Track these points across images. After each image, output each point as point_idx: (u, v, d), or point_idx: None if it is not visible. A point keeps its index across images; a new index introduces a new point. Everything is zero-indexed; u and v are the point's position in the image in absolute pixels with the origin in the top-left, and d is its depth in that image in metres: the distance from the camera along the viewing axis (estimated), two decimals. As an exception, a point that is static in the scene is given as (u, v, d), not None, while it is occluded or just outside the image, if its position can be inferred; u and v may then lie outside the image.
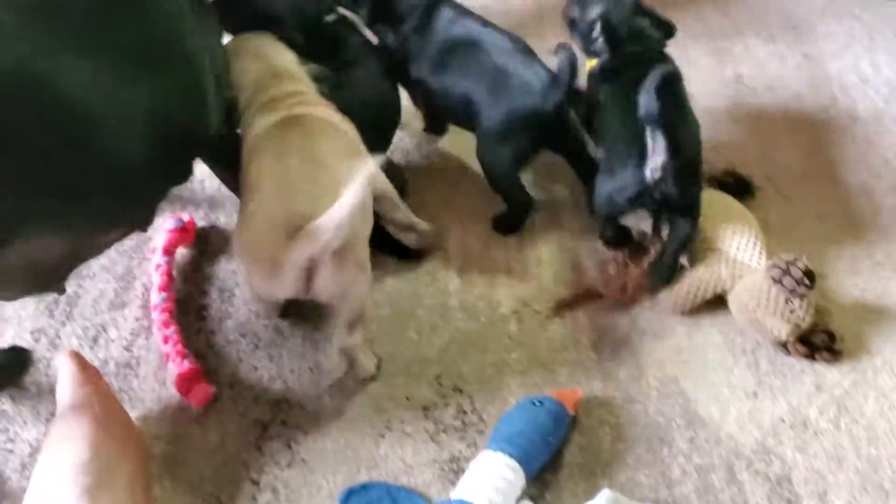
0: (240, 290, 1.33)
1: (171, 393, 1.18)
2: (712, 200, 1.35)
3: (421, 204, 1.43)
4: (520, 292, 1.32)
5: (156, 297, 1.28)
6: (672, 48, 1.41)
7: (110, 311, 1.30)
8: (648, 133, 1.22)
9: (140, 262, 1.37)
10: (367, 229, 1.14)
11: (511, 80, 1.33)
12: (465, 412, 1.17)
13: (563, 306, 1.31)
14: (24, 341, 1.25)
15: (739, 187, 1.46)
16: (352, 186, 0.99)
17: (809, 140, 1.62)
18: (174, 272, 1.33)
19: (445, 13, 1.41)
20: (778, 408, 1.16)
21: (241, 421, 1.16)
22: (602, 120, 1.37)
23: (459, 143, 1.55)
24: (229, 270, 1.36)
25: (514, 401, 1.16)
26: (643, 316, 1.29)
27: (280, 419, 1.16)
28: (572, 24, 1.47)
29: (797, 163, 1.56)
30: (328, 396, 1.19)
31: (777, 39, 1.88)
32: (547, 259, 1.38)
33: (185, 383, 1.17)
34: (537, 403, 1.10)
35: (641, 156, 1.23)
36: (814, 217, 1.45)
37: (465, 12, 1.42)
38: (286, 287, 1.08)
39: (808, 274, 1.21)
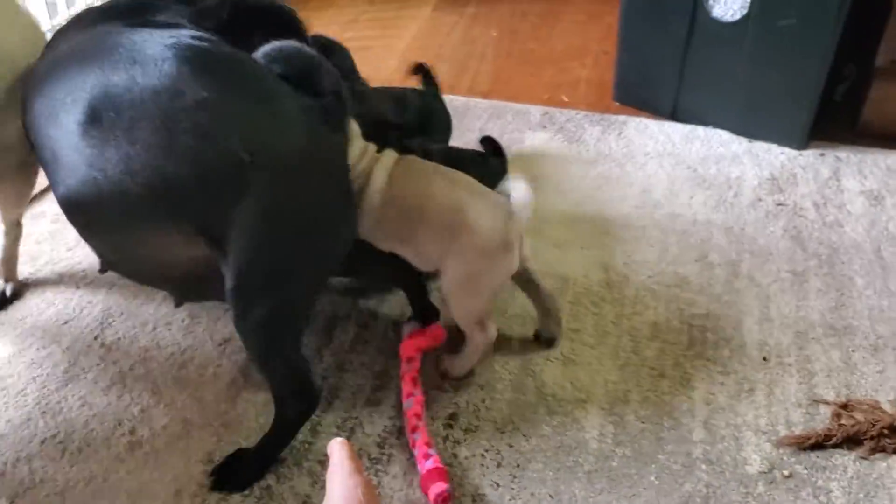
0: (485, 404, 1.38)
1: (419, 495, 1.23)
2: None
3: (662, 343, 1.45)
4: (769, 453, 1.29)
5: (405, 403, 1.36)
6: None
7: (366, 407, 1.38)
8: None
9: (396, 363, 1.46)
10: None
11: None
12: (707, 570, 1.14)
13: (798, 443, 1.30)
14: (289, 422, 1.35)
15: None
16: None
17: None
18: (419, 376, 1.41)
19: None
20: None
21: (481, 536, 1.19)
22: None
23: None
24: (476, 385, 1.42)
25: (762, 568, 1.12)
26: (905, 501, 1.22)
27: (519, 541, 1.18)
28: None
29: None
30: (567, 527, 1.20)
31: None
32: (796, 420, 1.34)
33: (426, 482, 1.23)
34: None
35: None
36: None
37: None
38: (516, 262, 1.34)
39: None
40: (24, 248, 1.71)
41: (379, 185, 1.33)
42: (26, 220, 1.79)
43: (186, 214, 1.07)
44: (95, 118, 1.05)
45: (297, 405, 1.26)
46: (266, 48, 1.19)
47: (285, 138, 1.10)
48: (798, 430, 1.33)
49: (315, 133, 1.14)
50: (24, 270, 1.66)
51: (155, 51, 1.06)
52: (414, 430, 1.31)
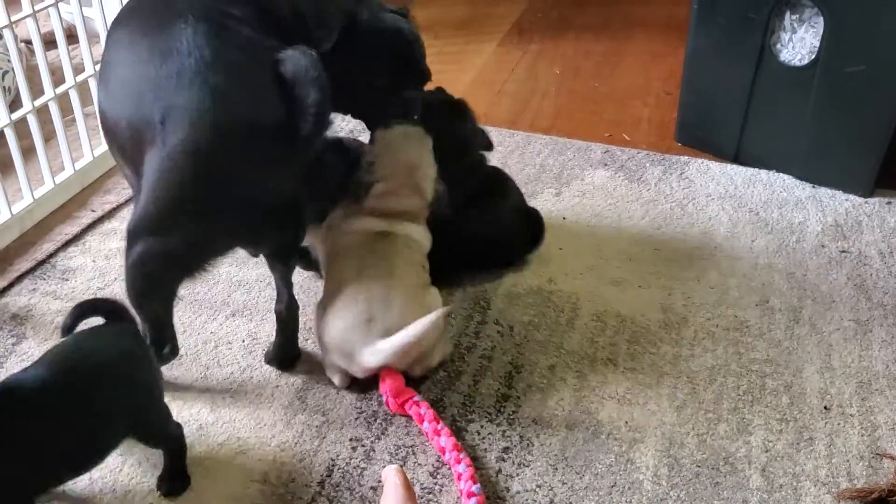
0: (538, 439, 1.38)
1: (470, 528, 1.23)
2: None
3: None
4: (829, 505, 1.27)
5: (442, 439, 1.36)
6: None
7: (420, 435, 1.39)
8: None
9: (451, 394, 1.47)
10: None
11: None
12: None
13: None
14: (344, 446, 1.37)
15: None
16: (419, 324, 1.35)
17: None
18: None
19: None
20: None
21: (531, 572, 1.18)
22: None
23: (771, 337, 1.53)
24: (529, 419, 1.42)
25: None
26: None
27: (570, 580, 1.17)
28: None
29: None
30: (618, 568, 1.19)
31: None
32: (858, 473, 1.32)
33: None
34: None
35: None
36: None
37: None
38: (360, 374, 1.42)
39: None
40: (95, 263, 1.77)
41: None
42: (96, 238, 1.85)
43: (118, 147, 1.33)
44: None
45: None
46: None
47: (199, 113, 1.19)
48: (860, 484, 1.30)
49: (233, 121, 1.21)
50: (93, 286, 1.71)
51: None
52: (458, 462, 1.31)
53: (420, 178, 1.53)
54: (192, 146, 1.19)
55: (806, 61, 1.95)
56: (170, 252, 1.27)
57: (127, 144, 1.28)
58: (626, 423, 1.41)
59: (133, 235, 1.27)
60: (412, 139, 1.54)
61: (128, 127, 1.25)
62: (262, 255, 1.46)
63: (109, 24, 1.88)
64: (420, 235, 1.53)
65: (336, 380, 1.47)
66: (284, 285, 1.47)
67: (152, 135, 1.20)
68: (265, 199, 1.29)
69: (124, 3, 1.42)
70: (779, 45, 1.99)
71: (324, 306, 1.46)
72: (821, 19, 1.89)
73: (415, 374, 1.46)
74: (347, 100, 1.51)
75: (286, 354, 1.51)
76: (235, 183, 1.24)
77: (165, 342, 1.41)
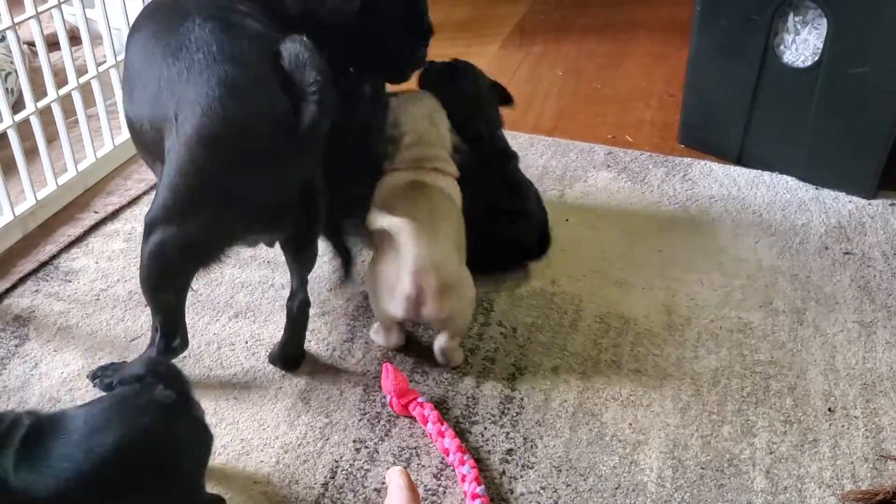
0: (542, 441, 1.38)
1: (474, 530, 1.23)
2: None
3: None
4: (833, 507, 1.27)
5: (446, 441, 1.36)
6: None
7: (424, 438, 1.38)
8: None
9: (454, 395, 1.47)
10: (465, 275, 1.50)
11: None
12: None
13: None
14: (347, 448, 1.36)
15: None
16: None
17: None
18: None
19: None
20: None
21: (535, 574, 1.18)
22: None
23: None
24: (533, 421, 1.42)
25: None
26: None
27: (574, 582, 1.17)
28: None
29: None
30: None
31: None
32: (863, 475, 1.31)
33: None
34: None
35: None
36: None
37: None
38: (398, 308, 1.43)
39: None
40: (98, 264, 1.77)
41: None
42: (99, 239, 1.85)
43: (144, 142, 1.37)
44: None
45: (161, 342, 1.40)
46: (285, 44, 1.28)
47: (208, 102, 1.21)
48: (865, 486, 1.29)
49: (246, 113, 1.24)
50: (95, 287, 1.71)
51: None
52: (462, 462, 1.31)
53: (437, 123, 1.62)
54: (202, 135, 1.21)
55: (809, 63, 1.95)
56: (186, 240, 1.29)
57: (151, 145, 1.31)
58: (630, 424, 1.41)
59: (150, 225, 1.30)
60: (423, 95, 1.67)
61: (150, 128, 1.29)
62: (279, 249, 1.48)
63: (111, 25, 1.89)
64: (452, 189, 1.59)
65: (393, 338, 1.54)
66: (299, 280, 1.48)
67: (169, 130, 1.24)
68: (278, 186, 1.31)
69: (138, 8, 1.46)
70: (782, 47, 1.98)
71: (376, 261, 1.50)
72: (824, 21, 1.89)
73: (448, 339, 1.49)
74: (369, 60, 1.60)
75: (291, 354, 1.51)
76: (248, 170, 1.26)
77: (176, 334, 1.41)
